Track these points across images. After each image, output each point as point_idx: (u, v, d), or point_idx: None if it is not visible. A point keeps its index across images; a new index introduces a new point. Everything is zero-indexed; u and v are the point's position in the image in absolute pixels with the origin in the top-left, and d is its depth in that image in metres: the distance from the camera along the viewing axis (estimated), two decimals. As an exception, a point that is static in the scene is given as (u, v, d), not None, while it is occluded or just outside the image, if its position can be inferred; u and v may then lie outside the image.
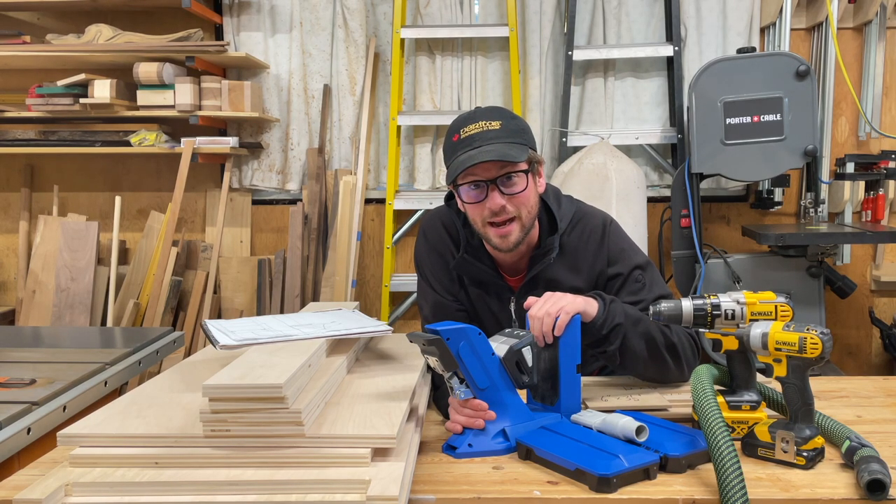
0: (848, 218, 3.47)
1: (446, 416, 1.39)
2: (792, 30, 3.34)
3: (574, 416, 1.36)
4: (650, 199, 3.33)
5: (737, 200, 3.56)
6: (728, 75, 2.93)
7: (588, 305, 1.46)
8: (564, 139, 3.37)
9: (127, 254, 3.69)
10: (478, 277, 1.70)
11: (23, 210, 3.72)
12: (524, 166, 1.54)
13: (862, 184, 3.33)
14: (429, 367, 1.41)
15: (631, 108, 3.54)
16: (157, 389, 1.35)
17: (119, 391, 1.94)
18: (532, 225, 1.61)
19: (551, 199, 1.67)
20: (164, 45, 3.28)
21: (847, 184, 3.36)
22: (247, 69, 3.61)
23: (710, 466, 1.18)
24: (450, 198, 1.77)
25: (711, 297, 1.34)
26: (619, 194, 3.00)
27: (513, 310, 1.69)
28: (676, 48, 3.33)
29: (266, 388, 1.08)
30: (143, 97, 3.32)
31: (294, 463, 1.09)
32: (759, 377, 1.43)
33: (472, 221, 1.61)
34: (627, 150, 3.39)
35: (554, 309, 1.39)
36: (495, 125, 1.54)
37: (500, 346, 1.35)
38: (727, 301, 1.33)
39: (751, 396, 1.34)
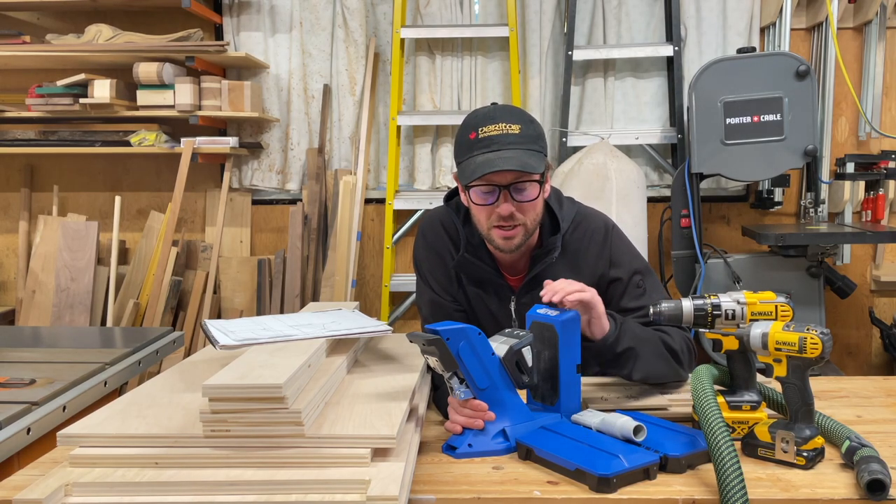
0: (848, 218, 3.47)
1: (446, 416, 1.39)
2: (792, 30, 3.34)
3: (574, 416, 1.36)
4: (650, 199, 3.33)
5: (737, 200, 3.56)
6: (728, 75, 2.93)
7: (603, 315, 1.46)
8: (564, 139, 3.37)
9: (127, 254, 3.69)
10: (478, 276, 1.70)
11: (23, 210, 3.72)
12: (538, 176, 1.54)
13: (862, 184, 3.33)
14: (429, 367, 1.41)
15: (631, 108, 3.54)
16: (157, 389, 1.35)
17: (119, 391, 1.94)
18: (535, 229, 1.62)
19: (553, 199, 1.68)
20: (164, 45, 3.28)
21: (847, 184, 3.36)
22: (247, 69, 3.61)
23: (710, 466, 1.18)
24: (449, 197, 1.77)
25: (712, 297, 1.34)
26: (619, 194, 3.00)
27: (513, 309, 1.69)
28: (676, 48, 3.33)
29: (266, 388, 1.08)
30: (143, 97, 3.32)
31: (294, 463, 1.09)
32: (759, 377, 1.43)
33: (477, 222, 1.61)
34: (627, 150, 3.39)
35: (577, 286, 1.40)
36: (515, 129, 1.52)
37: (500, 346, 1.35)
38: (727, 301, 1.33)
39: (751, 396, 1.34)
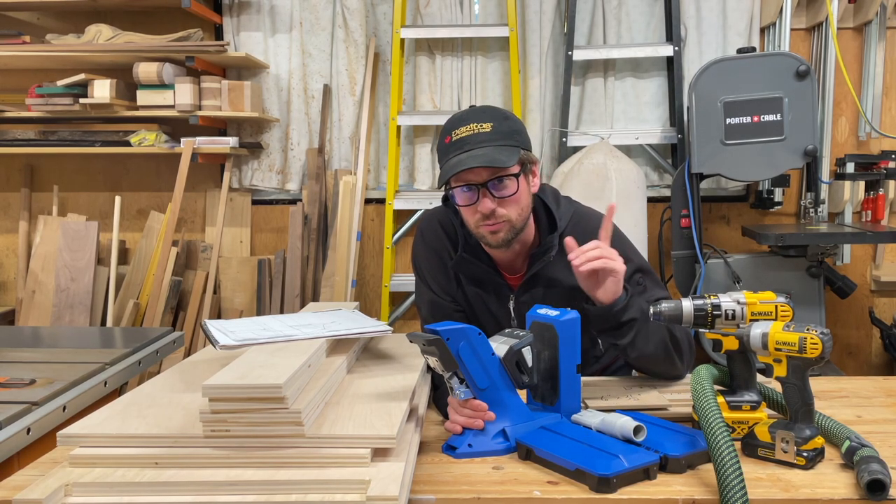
0: (848, 218, 3.47)
1: (446, 416, 1.39)
2: (792, 30, 3.34)
3: (574, 417, 1.36)
4: (650, 199, 3.33)
5: (737, 200, 3.56)
6: (728, 75, 2.93)
7: (622, 281, 1.48)
8: (564, 139, 3.37)
9: (127, 254, 3.69)
10: (477, 276, 1.70)
11: (23, 210, 3.72)
12: (515, 169, 1.55)
13: (862, 184, 3.33)
14: (429, 367, 1.42)
15: (631, 108, 3.54)
16: (156, 389, 1.35)
17: (119, 391, 1.94)
18: (524, 224, 1.62)
19: (550, 198, 1.68)
20: (164, 45, 3.28)
21: (847, 184, 3.36)
22: (247, 69, 3.61)
23: (710, 466, 1.17)
24: (448, 197, 1.77)
25: (712, 297, 1.34)
26: (619, 194, 3.00)
27: (511, 308, 1.69)
28: (676, 48, 3.33)
29: (266, 388, 1.08)
30: (143, 97, 3.32)
31: (294, 463, 1.09)
32: (759, 377, 1.43)
33: (466, 222, 1.62)
34: (627, 150, 3.39)
35: (607, 252, 1.44)
36: (486, 127, 1.54)
37: (500, 346, 1.35)
38: (727, 301, 1.33)
39: (751, 396, 1.34)
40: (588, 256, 1.43)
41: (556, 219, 1.65)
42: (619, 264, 1.45)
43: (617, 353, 1.57)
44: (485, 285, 1.71)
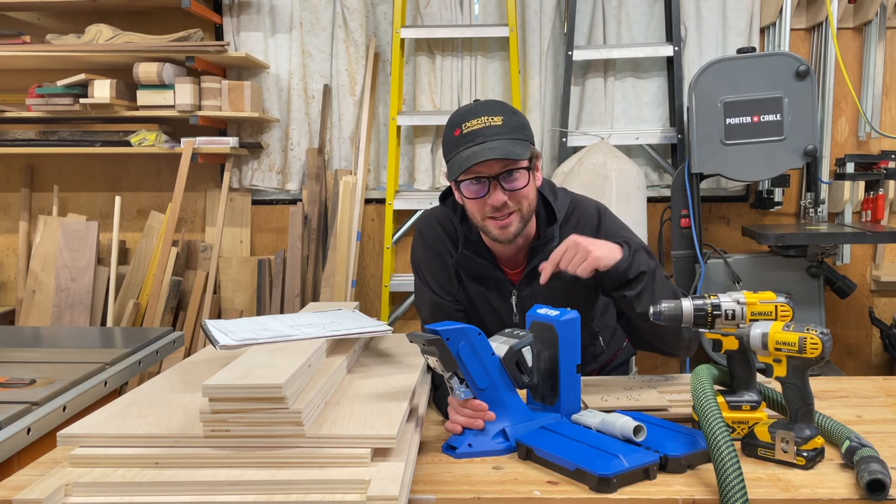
0: (848, 218, 3.47)
1: (446, 416, 1.39)
2: (792, 30, 3.34)
3: (574, 417, 1.36)
4: (650, 199, 3.33)
5: (737, 200, 3.56)
6: (728, 75, 2.93)
7: (613, 252, 1.48)
8: (564, 139, 3.37)
9: (127, 254, 3.69)
10: (478, 272, 1.70)
11: (23, 210, 3.72)
12: (525, 163, 1.56)
13: (862, 184, 3.33)
14: (429, 367, 1.42)
15: (631, 108, 3.54)
16: (157, 389, 1.35)
17: (119, 391, 1.94)
18: (530, 217, 1.63)
19: (547, 191, 1.69)
20: (164, 45, 3.28)
21: (847, 184, 3.36)
22: (247, 69, 3.61)
23: (710, 466, 1.18)
24: (444, 197, 1.77)
25: (712, 297, 1.34)
26: (619, 194, 3.00)
27: (514, 303, 1.70)
28: (676, 48, 3.33)
29: (266, 388, 1.08)
30: (143, 97, 3.32)
31: (294, 463, 1.09)
32: (759, 377, 1.43)
33: (472, 216, 1.62)
34: (627, 150, 3.39)
35: (585, 248, 1.44)
36: (497, 121, 1.55)
37: (500, 346, 1.35)
38: (727, 301, 1.33)
39: (751, 396, 1.34)
40: (575, 263, 1.44)
41: (555, 210, 1.66)
42: (588, 244, 1.45)
43: (627, 311, 1.55)
44: (486, 282, 1.71)
